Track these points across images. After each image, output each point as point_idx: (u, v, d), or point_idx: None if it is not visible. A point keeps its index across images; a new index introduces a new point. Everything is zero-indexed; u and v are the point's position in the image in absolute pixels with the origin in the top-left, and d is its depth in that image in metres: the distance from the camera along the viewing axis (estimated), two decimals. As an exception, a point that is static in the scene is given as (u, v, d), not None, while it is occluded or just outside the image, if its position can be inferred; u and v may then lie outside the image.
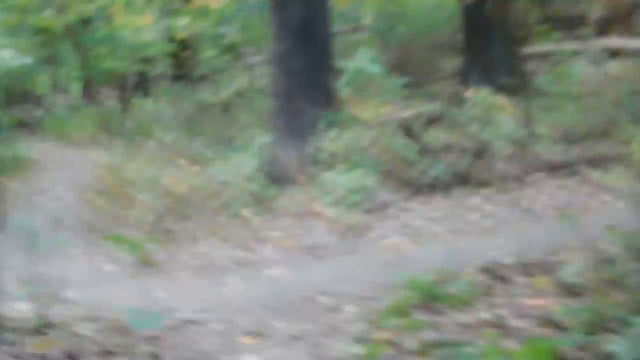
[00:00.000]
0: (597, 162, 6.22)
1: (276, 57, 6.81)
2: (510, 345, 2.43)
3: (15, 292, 3.39)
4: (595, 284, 2.98)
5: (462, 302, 3.20)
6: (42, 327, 3.28)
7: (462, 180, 6.04)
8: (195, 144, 7.67)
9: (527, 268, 3.89)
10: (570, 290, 3.16)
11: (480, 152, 6.29)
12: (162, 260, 5.13)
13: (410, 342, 2.91)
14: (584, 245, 3.53)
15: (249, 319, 3.69)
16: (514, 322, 2.87)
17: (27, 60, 5.23)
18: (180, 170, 6.45)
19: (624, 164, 5.79)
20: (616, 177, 5.55)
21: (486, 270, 4.02)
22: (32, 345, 3.05)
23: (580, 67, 9.01)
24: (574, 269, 3.26)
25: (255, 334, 3.37)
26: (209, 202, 6.01)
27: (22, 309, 3.39)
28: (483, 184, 5.90)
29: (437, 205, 5.84)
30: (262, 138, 6.28)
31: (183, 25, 8.74)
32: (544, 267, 3.86)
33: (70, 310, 3.54)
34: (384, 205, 5.60)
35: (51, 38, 10.49)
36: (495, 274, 3.89)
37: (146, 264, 5.00)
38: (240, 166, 5.78)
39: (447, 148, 6.75)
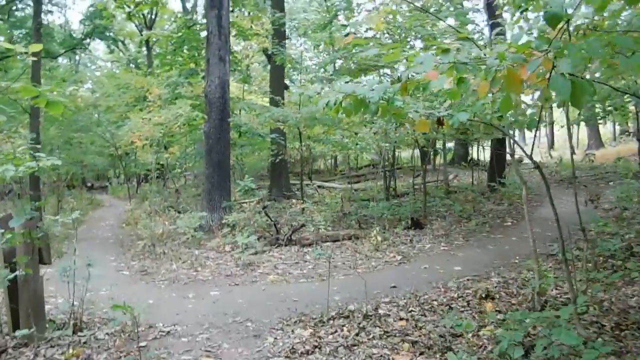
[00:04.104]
0: (351, 238, 9.63)
1: (206, 174, 11.20)
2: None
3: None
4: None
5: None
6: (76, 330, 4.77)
7: (295, 241, 9.39)
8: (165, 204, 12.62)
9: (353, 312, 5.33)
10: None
11: (300, 227, 10.07)
12: (153, 272, 8.05)
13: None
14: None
15: (203, 336, 4.98)
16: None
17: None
18: (160, 220, 10.13)
19: (367, 240, 9.18)
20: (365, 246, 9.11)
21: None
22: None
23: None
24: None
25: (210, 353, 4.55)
26: (176, 239, 9.25)
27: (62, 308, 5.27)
28: (304, 245, 9.35)
29: (286, 255, 8.82)
30: (199, 211, 10.07)
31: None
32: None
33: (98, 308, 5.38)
34: (262, 252, 8.98)
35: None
36: (341, 314, 5.34)
37: (143, 273, 7.90)
38: (189, 223, 8.97)
39: (278, 222, 10.80)
